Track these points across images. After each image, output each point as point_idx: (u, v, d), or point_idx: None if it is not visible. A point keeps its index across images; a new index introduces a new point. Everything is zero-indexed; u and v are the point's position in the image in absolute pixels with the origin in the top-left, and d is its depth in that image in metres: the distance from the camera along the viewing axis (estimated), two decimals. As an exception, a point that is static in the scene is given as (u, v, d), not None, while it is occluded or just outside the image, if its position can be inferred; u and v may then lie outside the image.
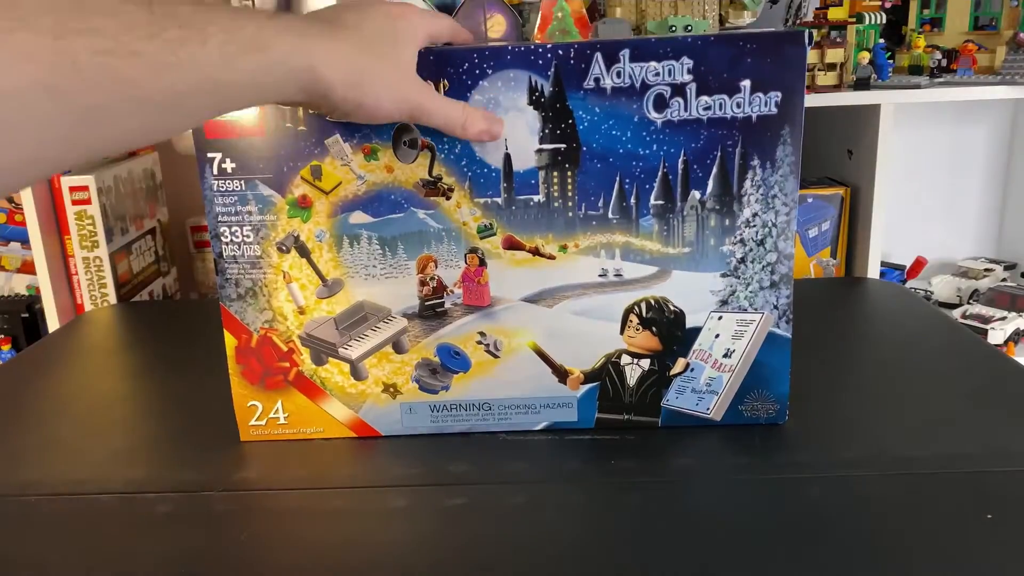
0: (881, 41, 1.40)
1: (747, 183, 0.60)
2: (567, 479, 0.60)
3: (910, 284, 1.72)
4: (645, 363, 0.65)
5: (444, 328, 0.64)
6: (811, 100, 1.28)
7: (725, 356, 0.64)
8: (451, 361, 0.65)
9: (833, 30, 1.40)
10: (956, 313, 1.58)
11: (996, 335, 1.48)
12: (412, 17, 0.55)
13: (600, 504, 0.57)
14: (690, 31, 1.22)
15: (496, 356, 0.65)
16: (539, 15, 1.26)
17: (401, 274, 0.63)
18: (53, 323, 1.36)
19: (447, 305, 0.64)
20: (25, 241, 1.45)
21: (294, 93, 0.49)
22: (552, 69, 0.58)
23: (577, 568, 0.50)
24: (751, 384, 0.65)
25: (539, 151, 0.60)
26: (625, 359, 0.65)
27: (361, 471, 0.63)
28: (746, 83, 0.58)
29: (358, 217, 0.62)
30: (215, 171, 0.61)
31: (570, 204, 0.61)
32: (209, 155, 0.61)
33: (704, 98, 0.59)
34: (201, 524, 0.56)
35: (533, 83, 0.59)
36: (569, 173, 0.61)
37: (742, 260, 0.62)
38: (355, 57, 0.50)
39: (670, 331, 0.64)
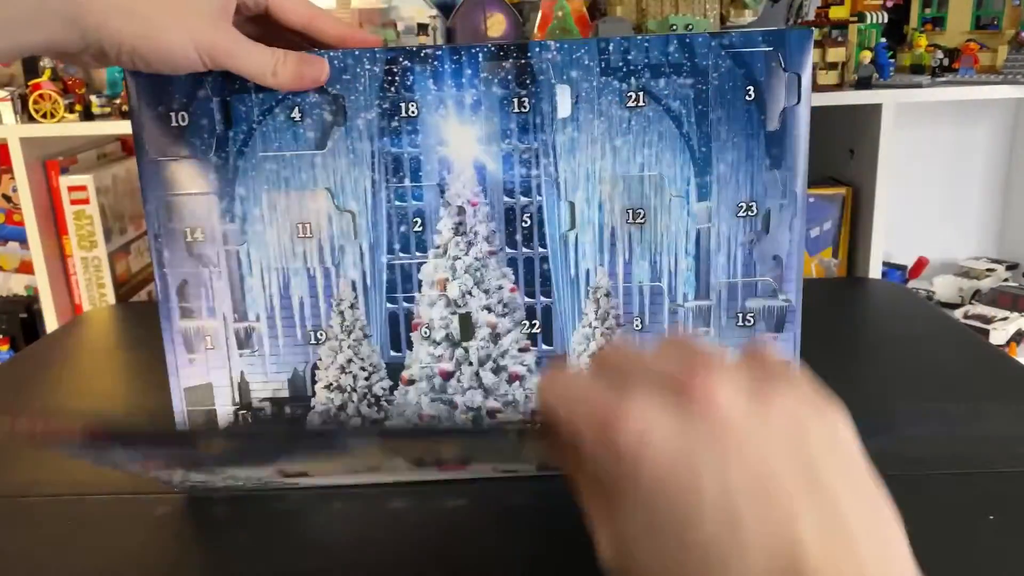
0: (883, 40, 1.40)
1: None
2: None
3: (912, 284, 1.72)
4: None
5: None
6: (813, 99, 1.28)
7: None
8: None
9: (835, 29, 1.40)
10: (958, 313, 1.58)
11: (998, 335, 1.48)
12: None
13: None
14: (691, 30, 1.22)
15: None
16: (539, 14, 1.26)
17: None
18: (52, 323, 1.36)
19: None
20: (23, 241, 1.45)
21: (57, 30, 0.43)
22: None
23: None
24: None
25: None
26: None
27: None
28: None
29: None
30: None
31: None
32: None
33: None
34: (201, 525, 0.56)
35: None
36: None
37: None
38: None
39: None
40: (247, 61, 0.49)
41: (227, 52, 0.48)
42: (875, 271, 1.39)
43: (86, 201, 1.32)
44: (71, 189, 1.31)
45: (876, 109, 1.32)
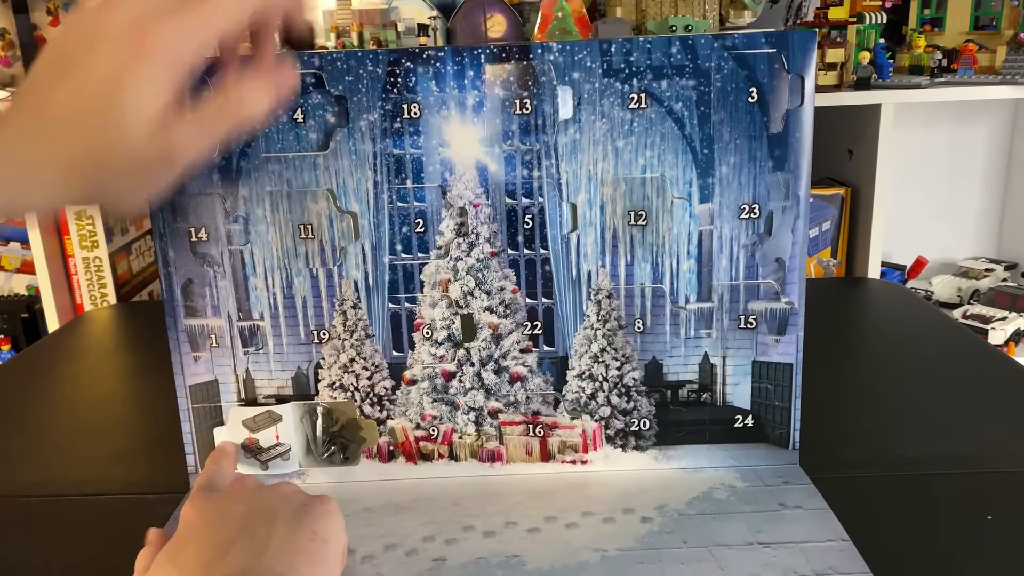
0: (881, 41, 1.40)
1: None
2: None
3: (911, 284, 1.72)
4: None
5: None
6: (812, 100, 1.28)
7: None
8: None
9: (833, 30, 1.40)
10: (957, 313, 1.58)
11: (996, 335, 1.48)
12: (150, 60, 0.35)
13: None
14: (690, 31, 1.22)
15: None
16: (539, 15, 1.26)
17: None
18: (53, 323, 1.36)
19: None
20: (25, 241, 1.45)
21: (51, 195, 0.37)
22: None
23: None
24: None
25: None
26: None
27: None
28: None
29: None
30: None
31: None
32: None
33: None
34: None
35: None
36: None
37: None
38: (70, 145, 0.36)
39: None
40: (210, 133, 0.38)
41: (187, 146, 0.37)
42: (874, 271, 1.39)
43: (87, 201, 1.33)
44: (71, 189, 1.31)
45: (875, 110, 1.32)
